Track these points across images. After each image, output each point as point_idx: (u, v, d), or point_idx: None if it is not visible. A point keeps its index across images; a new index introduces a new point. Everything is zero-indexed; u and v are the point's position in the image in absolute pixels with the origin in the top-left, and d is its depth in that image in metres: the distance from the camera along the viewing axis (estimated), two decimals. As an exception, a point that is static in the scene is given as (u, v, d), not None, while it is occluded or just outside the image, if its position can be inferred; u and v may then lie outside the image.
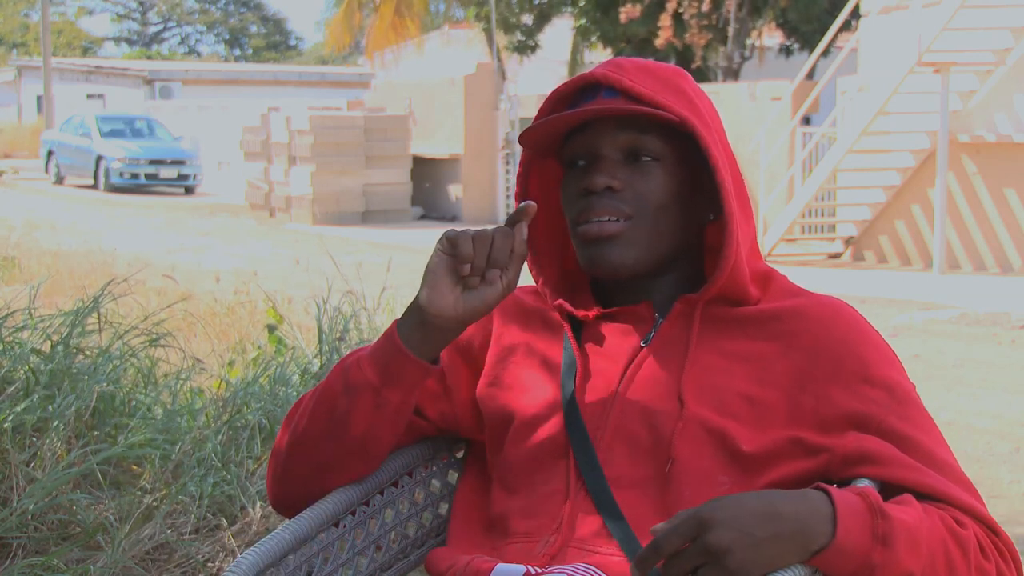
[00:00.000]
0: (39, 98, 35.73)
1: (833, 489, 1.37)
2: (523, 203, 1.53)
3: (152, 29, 66.73)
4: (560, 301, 1.65)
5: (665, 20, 19.09)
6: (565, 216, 1.63)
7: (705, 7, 18.84)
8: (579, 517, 1.53)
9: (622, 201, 1.57)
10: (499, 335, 1.68)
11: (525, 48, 22.56)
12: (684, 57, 19.90)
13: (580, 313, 1.64)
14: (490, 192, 18.55)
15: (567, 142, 1.62)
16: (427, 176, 18.99)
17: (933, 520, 1.41)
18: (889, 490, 1.45)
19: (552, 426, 1.58)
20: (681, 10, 18.95)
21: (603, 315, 1.64)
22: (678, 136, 1.58)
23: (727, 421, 1.51)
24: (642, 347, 1.60)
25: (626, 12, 19.64)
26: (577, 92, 1.62)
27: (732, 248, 1.55)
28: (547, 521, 1.55)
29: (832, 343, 1.54)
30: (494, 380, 1.66)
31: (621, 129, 1.57)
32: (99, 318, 4.00)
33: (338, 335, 4.34)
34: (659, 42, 19.13)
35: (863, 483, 1.47)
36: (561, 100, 1.62)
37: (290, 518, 1.61)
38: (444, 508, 1.77)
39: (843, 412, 1.50)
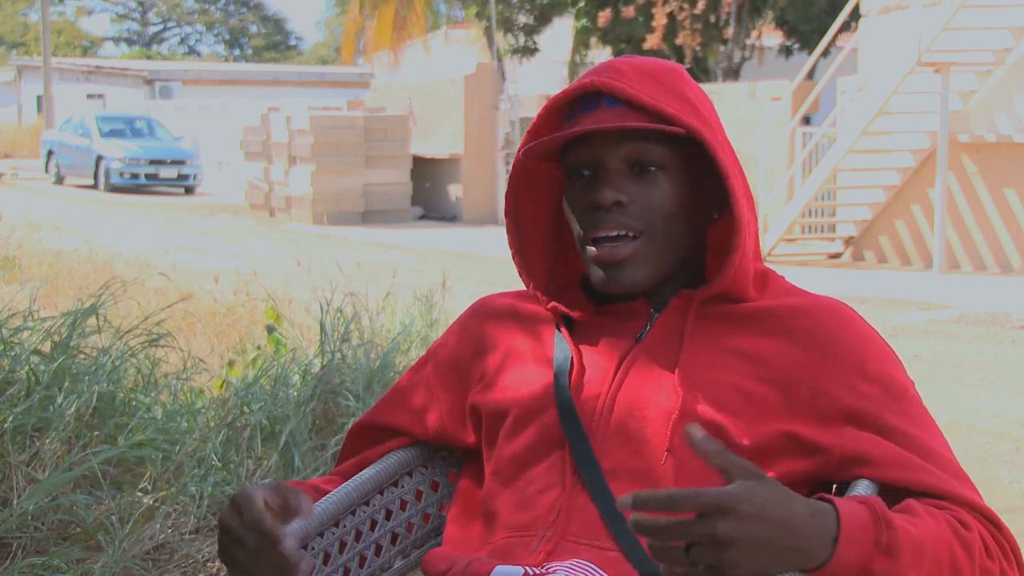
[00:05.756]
0: (39, 98, 35.73)
1: (841, 504, 1.33)
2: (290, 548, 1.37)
3: (152, 29, 66.75)
4: (554, 304, 1.64)
5: (660, 20, 19.08)
6: (571, 225, 1.60)
7: (699, 8, 18.82)
8: (575, 510, 1.52)
9: (631, 216, 1.55)
10: (490, 343, 1.68)
11: (525, 49, 22.55)
12: (677, 58, 19.88)
13: (576, 314, 1.64)
14: (490, 192, 18.55)
15: (568, 152, 1.59)
16: (427, 176, 18.99)
17: (940, 524, 1.40)
18: (888, 491, 1.45)
19: (547, 420, 1.58)
20: (674, 12, 18.94)
21: (597, 311, 1.64)
22: (681, 141, 1.56)
23: (723, 415, 1.50)
24: (637, 341, 1.59)
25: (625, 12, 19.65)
26: (576, 99, 1.59)
27: (740, 252, 1.55)
28: (543, 514, 1.54)
29: (829, 340, 1.54)
30: (489, 383, 1.66)
31: (624, 140, 1.55)
32: (99, 319, 4.00)
33: (339, 335, 4.34)
34: (647, 45, 19.10)
35: (863, 485, 1.46)
36: (560, 108, 1.60)
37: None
38: (444, 508, 1.77)
39: (839, 407, 1.50)
